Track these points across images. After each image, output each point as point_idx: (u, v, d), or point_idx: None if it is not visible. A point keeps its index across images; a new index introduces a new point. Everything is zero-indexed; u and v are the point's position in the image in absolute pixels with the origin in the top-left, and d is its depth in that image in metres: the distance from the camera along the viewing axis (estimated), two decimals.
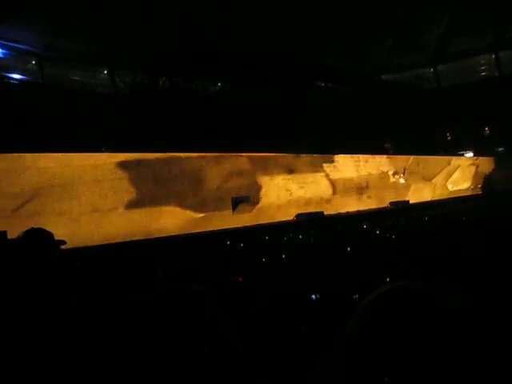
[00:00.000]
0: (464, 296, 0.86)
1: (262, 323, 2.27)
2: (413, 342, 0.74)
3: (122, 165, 15.66)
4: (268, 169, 19.91)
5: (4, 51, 25.75)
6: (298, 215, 19.46)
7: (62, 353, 1.49)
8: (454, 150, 32.19)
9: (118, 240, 13.96)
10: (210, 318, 1.04)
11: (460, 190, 29.94)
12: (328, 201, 21.98)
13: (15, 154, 13.46)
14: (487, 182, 31.89)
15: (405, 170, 26.50)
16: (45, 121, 16.12)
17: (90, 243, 13.25)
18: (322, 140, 23.59)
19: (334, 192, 22.44)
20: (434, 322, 0.77)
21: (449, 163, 30.14)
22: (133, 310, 1.07)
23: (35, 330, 1.56)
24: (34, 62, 27.45)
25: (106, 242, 13.49)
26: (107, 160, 15.41)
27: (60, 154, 14.49)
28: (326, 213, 20.38)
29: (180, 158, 17.33)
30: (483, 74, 37.64)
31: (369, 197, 23.81)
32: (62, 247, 2.87)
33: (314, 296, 3.48)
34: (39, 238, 2.17)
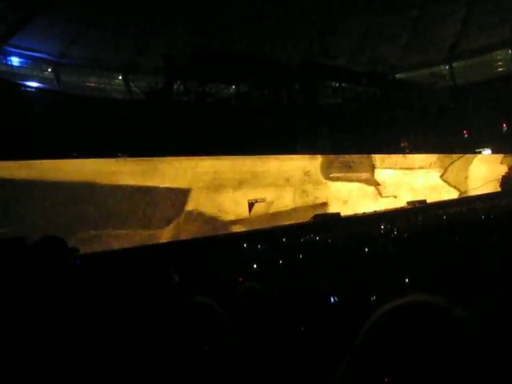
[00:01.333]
0: (483, 315, 0.84)
1: (277, 327, 2.25)
2: (422, 358, 0.73)
3: (139, 169, 15.79)
4: (284, 170, 19.88)
5: (21, 60, 26.17)
6: (315, 216, 19.39)
7: (70, 354, 1.50)
8: (471, 147, 31.82)
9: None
10: (218, 331, 1.03)
11: (478, 188, 29.54)
12: (345, 202, 21.87)
13: (31, 162, 13.64)
14: (506, 180, 31.42)
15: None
16: (60, 127, 16.29)
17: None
18: (337, 140, 23.51)
19: (351, 192, 22.32)
20: (445, 339, 0.76)
21: (466, 161, 29.78)
22: (141, 320, 1.07)
23: (46, 335, 1.57)
24: (50, 70, 27.86)
25: (125, 247, 13.59)
26: (124, 165, 15.53)
27: (77, 160, 14.67)
28: (342, 214, 20.27)
29: (195, 161, 17.40)
30: (499, 70, 37.18)
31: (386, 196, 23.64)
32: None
33: (331, 299, 3.45)
34: (52, 245, 2.19)
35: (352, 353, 0.79)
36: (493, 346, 0.78)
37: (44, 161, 13.85)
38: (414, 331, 0.76)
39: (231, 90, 27.94)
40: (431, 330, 0.75)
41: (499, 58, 37.29)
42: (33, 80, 25.81)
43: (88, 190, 14.34)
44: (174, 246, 13.90)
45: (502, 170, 32.09)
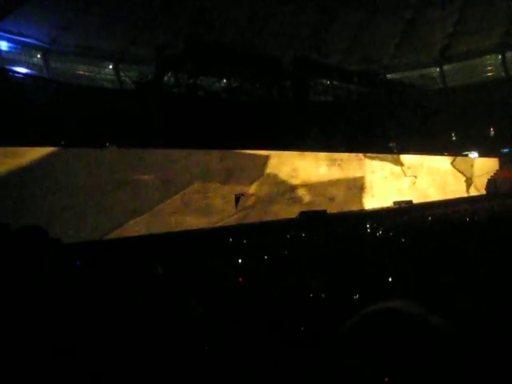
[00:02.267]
0: (459, 321, 0.83)
1: (261, 323, 2.25)
2: (394, 364, 0.72)
3: (126, 160, 15.66)
4: (271, 166, 19.88)
5: (9, 44, 25.81)
6: (301, 213, 19.42)
7: (52, 350, 1.48)
8: (459, 150, 32.10)
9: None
10: (195, 329, 1.00)
11: (463, 191, 29.84)
12: (331, 199, 21.94)
13: (18, 148, 13.47)
14: (491, 183, 31.78)
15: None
16: (49, 114, 16.12)
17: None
18: (326, 138, 23.55)
19: (338, 190, 22.40)
20: (418, 347, 0.74)
21: (453, 163, 30.04)
22: (119, 312, 1.04)
23: (26, 328, 1.54)
24: (39, 56, 27.52)
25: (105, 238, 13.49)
26: (111, 155, 15.39)
27: (63, 149, 14.52)
28: (328, 211, 20.33)
29: (183, 153, 17.33)
30: (489, 74, 37.51)
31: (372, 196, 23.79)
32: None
33: (315, 295, 3.45)
34: (33, 235, 2.15)
35: (324, 356, 0.78)
36: (466, 353, 0.77)
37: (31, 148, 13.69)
38: (386, 338, 0.74)
39: (222, 84, 27.85)
40: (404, 338, 0.74)
41: (489, 62, 37.60)
42: (21, 65, 25.46)
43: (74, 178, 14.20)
44: (157, 238, 13.80)
45: (489, 172, 32.47)
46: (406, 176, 25.74)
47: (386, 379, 0.71)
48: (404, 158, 26.07)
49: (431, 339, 0.75)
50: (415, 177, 26.16)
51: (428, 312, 0.82)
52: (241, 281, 2.34)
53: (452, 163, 29.83)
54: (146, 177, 15.79)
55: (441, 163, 28.90)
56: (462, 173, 30.14)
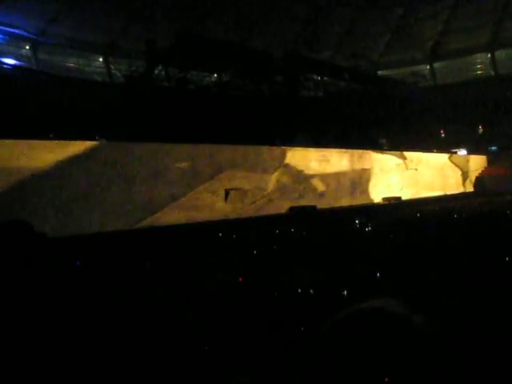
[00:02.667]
0: (443, 321, 0.81)
1: (249, 319, 2.25)
2: (377, 365, 0.71)
3: (115, 153, 15.56)
4: (262, 161, 19.87)
5: None
6: (291, 208, 19.45)
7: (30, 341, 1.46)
8: (448, 147, 32.33)
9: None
10: (178, 326, 0.96)
11: (451, 188, 30.07)
12: (321, 195, 22.00)
13: (6, 140, 13.32)
14: (479, 181, 32.07)
15: None
16: (37, 107, 15.97)
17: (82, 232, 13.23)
18: (315, 134, 23.59)
19: (327, 186, 22.46)
20: (401, 347, 0.73)
21: (441, 160, 30.26)
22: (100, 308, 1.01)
23: (12, 322, 1.52)
24: (27, 48, 27.21)
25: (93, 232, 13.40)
26: (100, 148, 15.27)
27: (52, 142, 14.39)
28: (318, 207, 20.39)
29: (173, 148, 17.27)
30: (479, 72, 37.75)
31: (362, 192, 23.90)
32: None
33: (305, 291, 3.47)
34: (17, 229, 2.12)
35: (305, 357, 0.76)
36: (450, 354, 0.76)
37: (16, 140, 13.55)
38: (368, 338, 0.73)
39: (213, 78, 27.75)
40: (386, 338, 0.72)
41: (479, 60, 37.83)
42: (9, 57, 25.15)
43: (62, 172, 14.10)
44: (147, 233, 13.73)
45: (476, 170, 32.76)
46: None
47: (386, 379, 0.71)
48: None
49: (414, 339, 0.74)
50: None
51: (412, 311, 0.80)
52: (227, 277, 2.32)
53: (450, 158, 30.99)
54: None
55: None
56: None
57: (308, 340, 0.79)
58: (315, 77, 29.55)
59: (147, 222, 15.55)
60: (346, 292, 3.88)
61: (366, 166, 24.71)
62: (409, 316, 0.77)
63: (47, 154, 13.89)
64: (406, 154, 27.54)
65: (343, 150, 23.78)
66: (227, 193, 18.21)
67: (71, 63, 29.03)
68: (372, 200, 23.65)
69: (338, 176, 23.11)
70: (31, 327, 1.54)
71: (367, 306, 0.80)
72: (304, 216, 17.50)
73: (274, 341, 1.95)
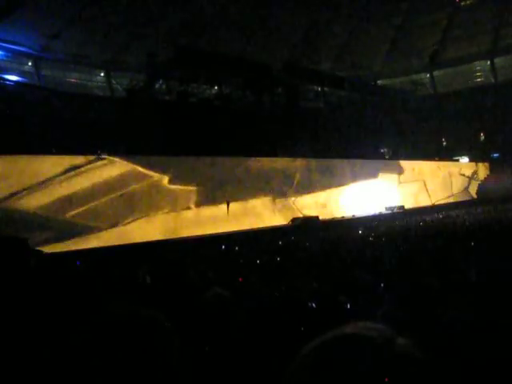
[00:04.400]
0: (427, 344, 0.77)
1: (252, 329, 2.25)
2: None
3: (118, 167, 15.64)
4: (263, 172, 19.91)
5: (0, 52, 25.71)
6: (294, 219, 19.44)
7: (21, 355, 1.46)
8: (450, 155, 32.31)
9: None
10: (161, 347, 0.95)
11: (454, 196, 30.00)
12: (323, 205, 21.98)
13: (9, 156, 13.40)
14: (482, 188, 31.98)
15: None
16: (40, 122, 16.05)
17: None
18: (317, 144, 23.60)
19: (330, 196, 22.45)
20: (382, 373, 0.69)
21: (444, 168, 30.22)
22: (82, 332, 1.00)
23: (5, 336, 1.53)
24: (30, 64, 27.43)
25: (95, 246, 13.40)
26: (102, 162, 15.34)
27: (54, 156, 14.48)
28: (321, 217, 20.37)
29: (175, 160, 17.34)
30: (479, 80, 37.82)
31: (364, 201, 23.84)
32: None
33: (307, 302, 3.46)
34: (11, 246, 2.12)
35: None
36: (435, 379, 0.72)
37: (19, 156, 13.64)
38: (343, 367, 0.68)
39: (213, 91, 27.87)
40: (366, 364, 0.68)
41: (478, 68, 37.92)
42: (12, 73, 25.34)
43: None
44: (146, 246, 13.65)
45: (478, 177, 32.69)
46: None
47: (386, 379, 0.68)
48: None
49: (394, 367, 0.70)
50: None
51: (394, 336, 0.75)
52: (223, 292, 2.32)
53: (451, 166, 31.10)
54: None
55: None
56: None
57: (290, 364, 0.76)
58: (315, 87, 29.64)
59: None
60: (349, 303, 3.87)
61: (369, 176, 24.69)
62: (392, 340, 0.72)
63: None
64: (408, 162, 27.53)
65: (344, 159, 23.81)
66: (228, 204, 18.22)
67: (73, 78, 29.23)
68: (375, 209, 23.58)
69: (340, 186, 23.10)
70: (28, 340, 1.55)
71: (341, 333, 0.74)
72: (306, 227, 17.47)
73: (271, 353, 1.95)
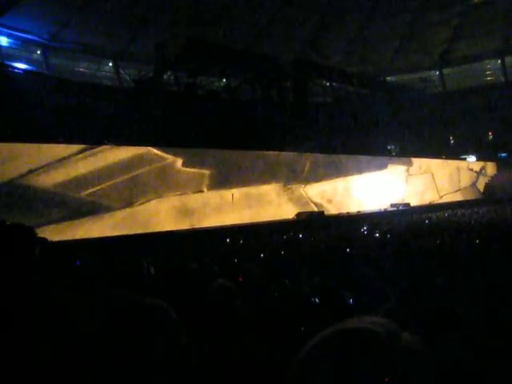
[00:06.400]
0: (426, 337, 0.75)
1: (255, 325, 2.23)
2: None
3: (118, 163, 15.71)
4: (270, 166, 19.87)
5: (9, 40, 25.74)
6: (299, 214, 19.42)
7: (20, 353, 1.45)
8: (457, 153, 32.15)
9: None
10: (166, 336, 0.95)
11: (461, 194, 29.87)
12: (329, 200, 21.95)
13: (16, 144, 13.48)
14: (489, 187, 31.83)
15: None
16: (47, 111, 16.07)
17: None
18: (324, 139, 23.54)
19: (335, 192, 22.40)
20: (387, 367, 0.68)
21: (451, 167, 30.08)
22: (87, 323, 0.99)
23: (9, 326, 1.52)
24: (38, 52, 27.46)
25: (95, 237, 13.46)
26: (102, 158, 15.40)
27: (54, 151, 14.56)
28: (326, 213, 20.34)
29: (181, 152, 17.34)
30: (488, 78, 37.56)
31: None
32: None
33: (311, 298, 3.44)
34: (17, 234, 2.10)
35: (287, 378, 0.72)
36: (437, 374, 0.72)
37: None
38: (347, 361, 0.68)
39: (221, 84, 27.83)
40: (368, 361, 0.67)
41: (488, 66, 37.65)
42: (21, 61, 25.38)
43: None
44: (149, 237, 13.68)
45: (486, 176, 32.55)
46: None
47: (386, 379, 0.67)
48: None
49: (401, 360, 0.69)
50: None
51: (399, 331, 0.74)
52: (227, 283, 2.31)
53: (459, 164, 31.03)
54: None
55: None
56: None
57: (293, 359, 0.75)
58: (324, 82, 29.53)
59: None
60: (352, 299, 3.85)
61: (375, 172, 24.62)
62: (397, 335, 0.71)
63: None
64: (415, 160, 27.42)
65: (351, 155, 23.74)
66: (233, 198, 18.21)
67: (81, 68, 29.24)
68: (381, 206, 23.51)
69: (346, 182, 23.06)
70: (30, 330, 1.54)
71: (346, 327, 0.73)
72: (311, 221, 17.45)
73: (274, 348, 1.93)
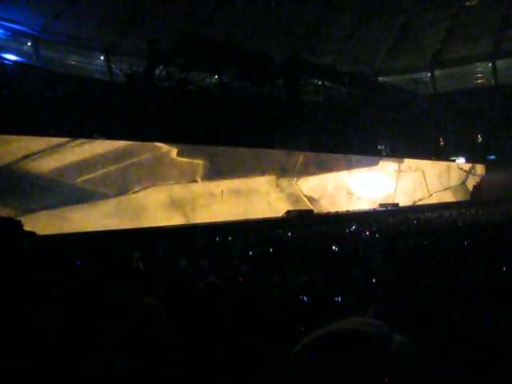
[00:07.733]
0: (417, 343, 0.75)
1: (243, 322, 2.23)
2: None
3: (114, 152, 15.63)
4: (260, 164, 19.87)
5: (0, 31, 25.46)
6: (288, 212, 19.43)
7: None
8: (446, 155, 32.36)
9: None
10: (157, 333, 0.95)
11: (450, 196, 30.09)
12: (318, 199, 22.00)
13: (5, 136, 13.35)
14: (477, 189, 32.08)
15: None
16: (37, 103, 15.93)
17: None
18: (315, 138, 23.58)
19: (325, 190, 22.46)
20: (378, 369, 0.67)
21: (440, 168, 30.28)
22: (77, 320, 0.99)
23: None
24: (29, 44, 27.16)
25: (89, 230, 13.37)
26: (99, 146, 15.31)
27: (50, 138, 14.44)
28: (315, 211, 20.38)
29: (172, 148, 17.28)
30: (479, 81, 37.80)
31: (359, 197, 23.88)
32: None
33: (299, 296, 3.46)
34: (5, 228, 2.08)
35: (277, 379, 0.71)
36: (430, 376, 0.72)
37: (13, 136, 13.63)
38: (343, 360, 0.67)
39: (213, 80, 27.73)
40: (362, 360, 0.67)
41: (480, 69, 37.90)
42: (10, 52, 25.10)
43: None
44: (139, 233, 13.61)
45: (474, 178, 32.81)
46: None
47: (386, 379, 0.67)
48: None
49: (390, 364, 0.69)
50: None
51: (391, 333, 0.74)
52: (215, 280, 2.30)
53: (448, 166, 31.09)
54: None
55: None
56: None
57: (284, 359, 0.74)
58: (316, 81, 29.53)
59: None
60: (340, 297, 3.87)
61: (365, 172, 24.73)
62: (388, 337, 0.71)
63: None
64: (404, 160, 27.57)
65: (341, 154, 23.81)
66: (223, 193, 18.20)
67: (72, 61, 28.97)
68: (369, 205, 23.63)
69: (336, 180, 23.13)
70: (22, 326, 1.53)
71: (337, 328, 0.72)
72: (301, 220, 17.47)
73: (264, 346, 1.93)
